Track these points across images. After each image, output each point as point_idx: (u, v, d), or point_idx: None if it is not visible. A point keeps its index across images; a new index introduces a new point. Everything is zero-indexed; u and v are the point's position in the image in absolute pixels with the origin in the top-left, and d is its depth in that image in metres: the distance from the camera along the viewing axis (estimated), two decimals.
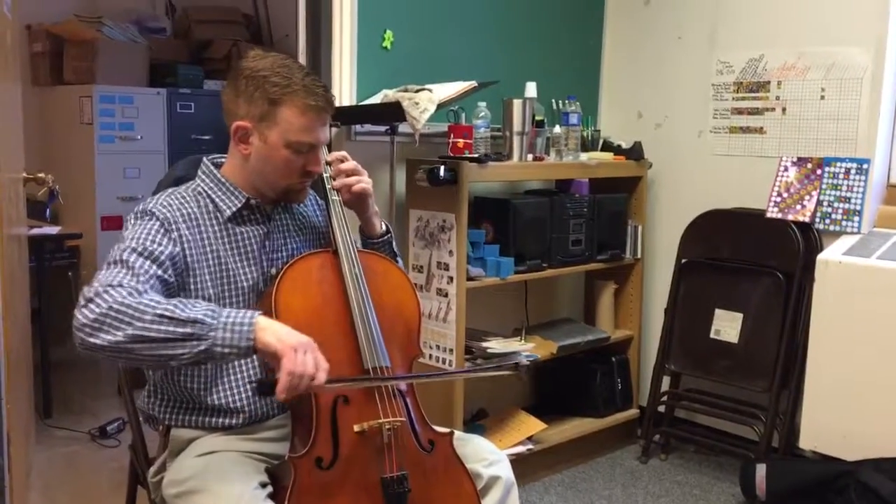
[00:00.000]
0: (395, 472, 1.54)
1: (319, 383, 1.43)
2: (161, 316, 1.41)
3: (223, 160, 1.77)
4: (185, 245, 1.64)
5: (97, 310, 1.41)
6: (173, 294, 1.59)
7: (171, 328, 1.41)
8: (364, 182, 1.80)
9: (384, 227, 1.89)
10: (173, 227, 1.63)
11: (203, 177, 1.74)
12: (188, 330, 1.41)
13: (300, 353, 1.42)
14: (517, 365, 1.67)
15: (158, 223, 1.62)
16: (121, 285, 1.46)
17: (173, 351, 1.41)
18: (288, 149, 1.65)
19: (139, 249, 1.55)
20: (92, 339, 1.41)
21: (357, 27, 2.78)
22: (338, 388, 1.56)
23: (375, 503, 1.52)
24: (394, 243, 1.92)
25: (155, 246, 1.57)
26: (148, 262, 1.54)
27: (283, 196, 1.73)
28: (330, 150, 1.82)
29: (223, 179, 1.72)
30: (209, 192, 1.72)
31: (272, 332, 1.44)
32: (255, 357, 1.66)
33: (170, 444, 1.70)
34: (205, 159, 1.77)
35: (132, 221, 1.63)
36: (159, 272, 1.55)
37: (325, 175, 1.77)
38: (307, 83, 1.63)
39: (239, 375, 1.68)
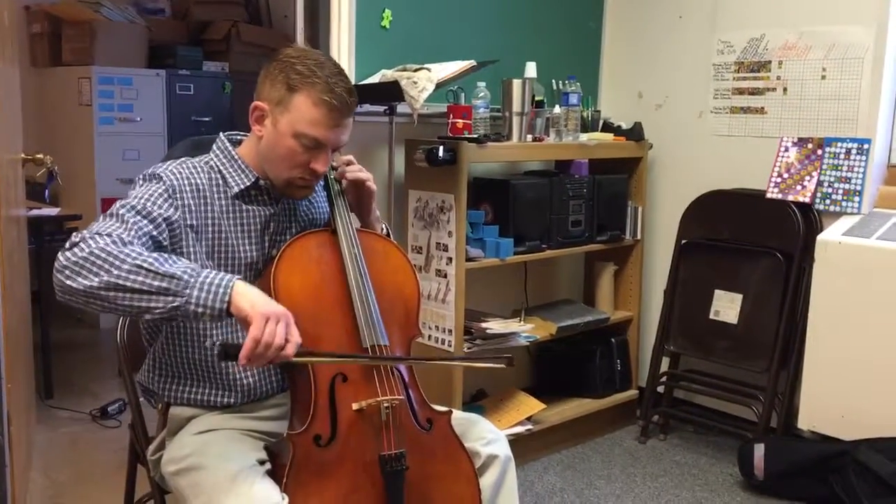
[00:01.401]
0: (393, 451, 1.54)
1: (287, 355, 1.43)
2: (139, 267, 1.42)
3: (241, 138, 1.77)
4: (188, 213, 1.64)
5: (79, 253, 1.43)
6: None
7: (147, 280, 1.41)
8: (370, 182, 1.80)
9: (385, 230, 1.89)
10: (177, 193, 1.64)
11: (217, 152, 1.75)
12: (164, 284, 1.41)
13: (271, 322, 1.41)
14: (511, 360, 1.68)
15: (163, 187, 1.63)
16: (108, 234, 1.48)
17: (147, 304, 1.42)
18: (295, 139, 1.63)
19: (137, 207, 1.57)
20: (69, 282, 1.42)
21: (355, 6, 2.76)
22: (308, 361, 1.55)
23: (373, 481, 1.53)
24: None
25: (154, 207, 1.59)
26: (142, 219, 1.56)
27: (284, 187, 1.71)
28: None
29: (236, 157, 1.73)
30: (220, 167, 1.72)
31: (247, 297, 1.43)
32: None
33: (168, 422, 1.71)
34: (221, 135, 1.78)
35: (139, 183, 1.65)
36: (153, 231, 1.57)
37: (329, 176, 1.78)
38: (331, 80, 1.62)
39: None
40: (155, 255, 1.46)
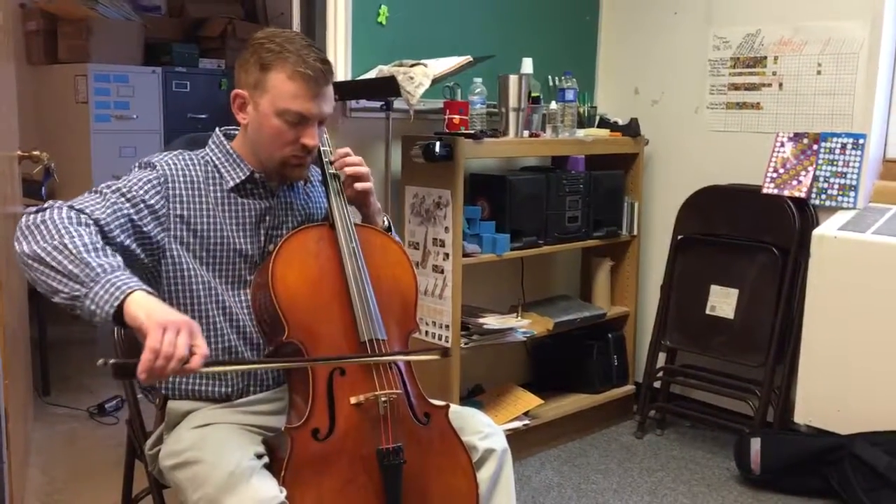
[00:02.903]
0: (390, 444, 1.55)
1: (193, 367, 1.35)
2: (65, 246, 1.41)
3: (236, 132, 1.78)
4: (178, 204, 1.65)
5: (37, 219, 1.46)
6: (145, 244, 1.60)
7: (64, 261, 1.41)
8: (368, 179, 1.80)
9: (386, 223, 1.89)
10: (169, 182, 1.65)
11: (213, 146, 1.75)
12: (76, 271, 1.39)
13: (169, 333, 1.32)
14: (446, 350, 1.68)
15: (156, 177, 1.64)
16: (75, 209, 1.50)
17: (56, 284, 1.40)
18: (278, 118, 1.64)
19: (123, 189, 1.59)
20: (14, 243, 1.45)
21: (351, 2, 2.76)
22: (219, 371, 1.57)
23: (371, 474, 1.53)
24: (395, 237, 1.92)
25: (140, 192, 1.60)
26: (124, 201, 1.57)
27: (279, 169, 1.72)
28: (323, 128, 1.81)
29: (231, 151, 1.73)
30: (216, 161, 1.73)
31: (144, 307, 1.35)
32: (252, 322, 1.67)
33: (166, 416, 1.71)
34: (217, 130, 1.79)
35: (134, 169, 1.67)
36: (132, 214, 1.58)
37: (325, 160, 1.78)
38: (302, 52, 1.63)
39: (233, 335, 1.69)
40: (92, 242, 1.44)
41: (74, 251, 1.41)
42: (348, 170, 1.77)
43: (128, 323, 1.36)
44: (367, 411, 1.56)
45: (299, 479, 1.48)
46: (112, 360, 1.34)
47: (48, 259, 1.41)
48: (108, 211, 1.54)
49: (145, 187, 1.62)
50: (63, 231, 1.44)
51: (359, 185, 1.78)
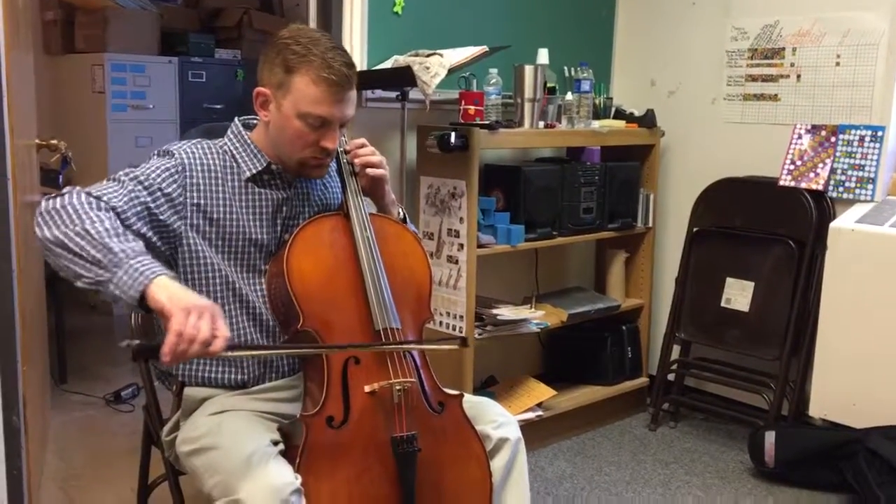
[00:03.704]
0: (405, 432, 1.55)
1: (216, 350, 1.37)
2: (87, 231, 1.44)
3: (255, 122, 1.78)
4: (195, 192, 1.66)
5: (55, 204, 1.48)
6: (161, 231, 1.62)
7: (87, 247, 1.43)
8: (382, 167, 1.80)
9: (401, 214, 1.89)
10: (187, 171, 1.66)
11: (231, 136, 1.76)
12: (99, 256, 1.42)
13: (192, 316, 1.35)
14: (465, 340, 1.70)
15: (173, 165, 1.65)
16: (93, 195, 1.51)
17: (80, 269, 1.43)
18: (300, 120, 1.64)
19: (140, 177, 1.60)
20: (36, 228, 1.47)
21: None
22: (241, 356, 1.58)
23: (385, 462, 1.54)
24: (410, 226, 1.92)
25: (158, 180, 1.61)
26: (141, 189, 1.59)
27: (298, 169, 1.72)
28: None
29: (249, 142, 1.74)
30: (234, 151, 1.73)
31: (167, 291, 1.38)
32: (267, 310, 1.68)
33: (183, 403, 1.73)
34: (236, 119, 1.79)
35: (153, 156, 1.68)
36: (149, 202, 1.59)
37: (340, 149, 1.77)
38: (328, 56, 1.62)
39: (245, 331, 1.70)
40: (113, 227, 1.46)
41: (97, 236, 1.43)
42: (361, 159, 1.78)
43: (151, 307, 1.39)
44: (382, 399, 1.57)
45: (314, 466, 1.49)
46: (136, 341, 1.40)
47: (71, 245, 1.43)
48: (126, 198, 1.55)
49: (163, 175, 1.63)
50: (84, 216, 1.45)
51: (370, 171, 1.78)
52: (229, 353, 1.47)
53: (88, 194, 1.52)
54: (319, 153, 1.69)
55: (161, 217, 1.61)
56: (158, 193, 1.60)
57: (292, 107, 1.64)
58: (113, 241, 1.43)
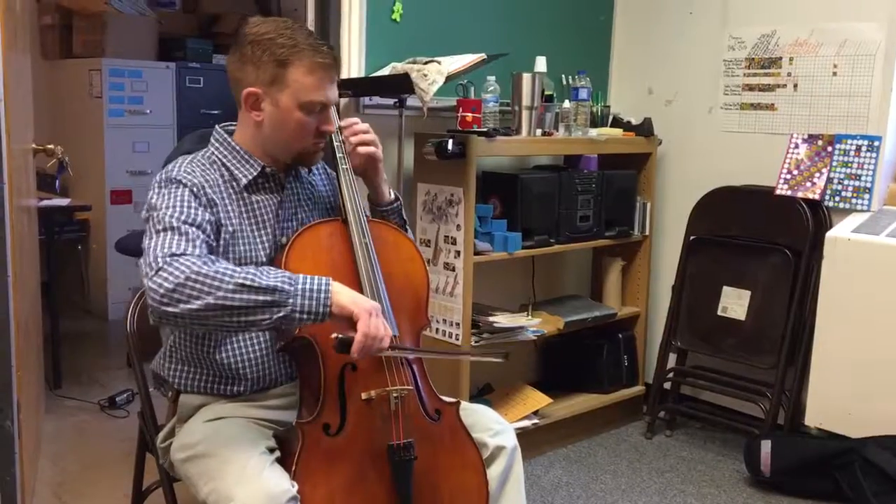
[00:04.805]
0: (401, 440, 1.55)
1: (384, 347, 1.48)
2: (241, 285, 1.42)
3: (234, 128, 1.76)
4: (213, 208, 1.63)
5: (173, 280, 1.41)
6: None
7: (251, 296, 1.42)
8: (375, 145, 1.80)
9: (393, 195, 1.89)
10: (202, 191, 1.62)
11: (217, 145, 1.72)
12: (268, 298, 1.43)
13: (373, 317, 1.47)
14: (507, 354, 1.71)
15: (188, 190, 1.60)
16: (184, 253, 1.47)
17: (254, 317, 1.44)
18: (301, 110, 1.64)
19: (182, 217, 1.54)
20: (170, 309, 1.41)
21: None
22: (398, 355, 1.60)
23: (382, 470, 1.54)
24: (403, 211, 1.92)
25: (196, 214, 1.57)
26: (196, 229, 1.55)
27: (297, 160, 1.72)
28: (340, 116, 1.81)
29: (237, 147, 1.71)
30: (223, 160, 1.70)
31: (347, 295, 1.49)
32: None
33: (178, 410, 1.72)
34: (217, 127, 1.76)
35: (157, 190, 1.61)
36: (209, 238, 1.57)
37: (335, 143, 1.76)
38: (312, 42, 1.64)
39: (244, 341, 1.69)
40: (245, 269, 1.47)
41: (251, 284, 1.43)
42: (358, 137, 1.78)
43: (335, 314, 1.47)
44: (379, 407, 1.56)
45: (310, 473, 1.49)
46: (339, 336, 1.48)
47: (234, 304, 1.42)
48: (196, 243, 1.52)
49: (192, 204, 1.58)
50: (218, 275, 1.42)
51: (362, 149, 1.78)
52: (392, 353, 1.57)
53: (175, 256, 1.45)
54: (318, 138, 1.70)
55: (214, 246, 1.60)
56: (203, 223, 1.57)
57: (292, 99, 1.63)
58: (264, 279, 1.44)
